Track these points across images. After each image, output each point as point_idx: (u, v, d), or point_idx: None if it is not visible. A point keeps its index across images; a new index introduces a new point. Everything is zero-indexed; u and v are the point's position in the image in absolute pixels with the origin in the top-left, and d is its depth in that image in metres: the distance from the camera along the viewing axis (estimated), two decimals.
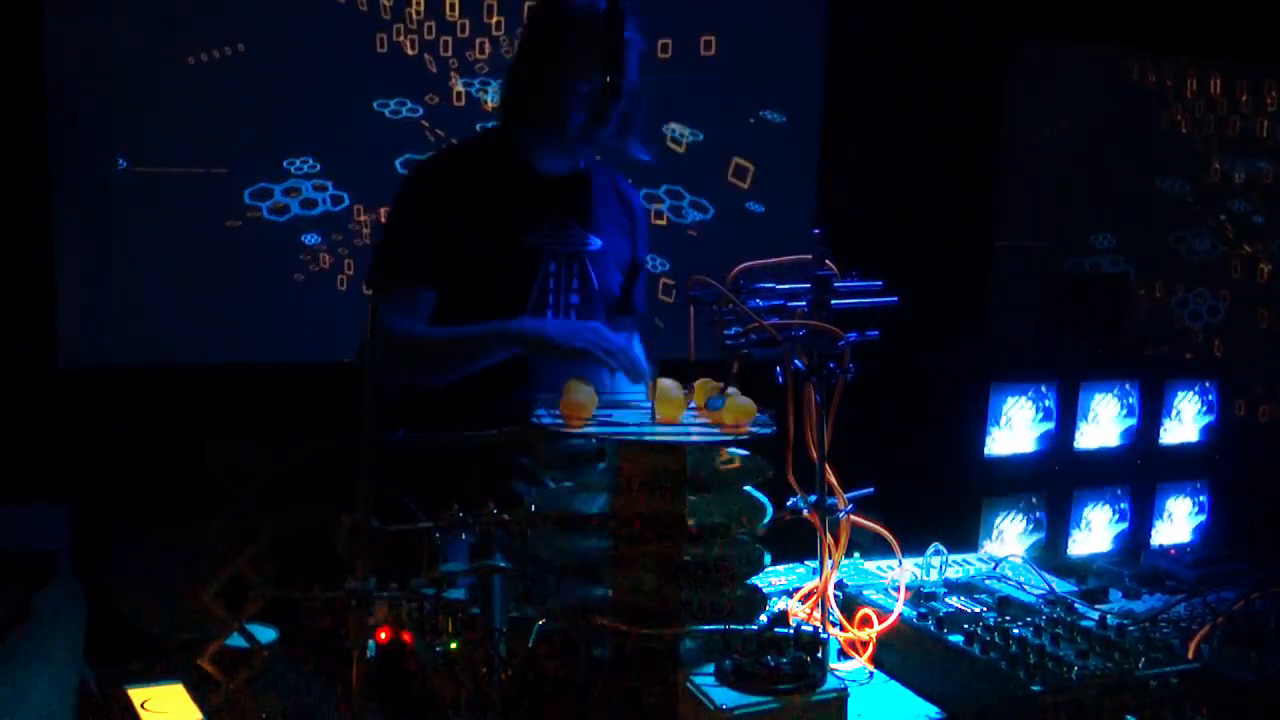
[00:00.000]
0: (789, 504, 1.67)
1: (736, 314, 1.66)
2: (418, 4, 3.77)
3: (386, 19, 3.75)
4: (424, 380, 2.11)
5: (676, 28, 4.09)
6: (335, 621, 1.35)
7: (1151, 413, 3.27)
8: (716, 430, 1.58)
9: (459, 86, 3.84)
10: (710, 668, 1.42)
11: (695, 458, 1.55)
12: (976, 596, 1.77)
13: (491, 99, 3.86)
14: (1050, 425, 3.10)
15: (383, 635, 1.56)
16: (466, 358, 2.09)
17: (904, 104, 4.43)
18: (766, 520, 1.60)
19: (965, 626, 1.60)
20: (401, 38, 3.78)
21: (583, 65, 2.05)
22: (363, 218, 3.76)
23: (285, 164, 3.66)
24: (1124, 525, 3.27)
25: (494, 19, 3.87)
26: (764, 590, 1.72)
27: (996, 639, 1.54)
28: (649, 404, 1.62)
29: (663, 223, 4.15)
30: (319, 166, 3.70)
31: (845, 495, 1.69)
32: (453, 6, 3.82)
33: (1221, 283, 5.13)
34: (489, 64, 3.87)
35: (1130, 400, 3.24)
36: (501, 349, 2.06)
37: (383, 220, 2.37)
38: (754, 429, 1.57)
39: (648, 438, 1.52)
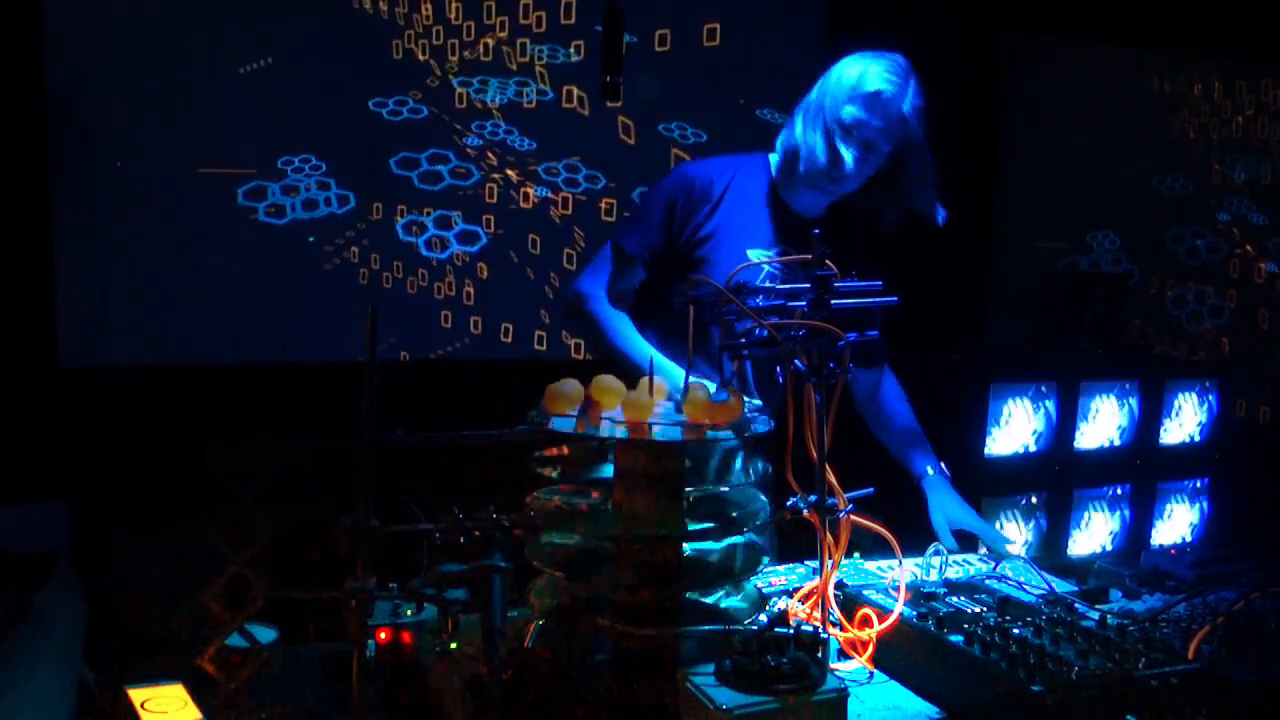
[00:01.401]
0: (789, 504, 1.67)
1: (736, 314, 1.66)
2: (418, 4, 3.78)
3: (386, 19, 3.74)
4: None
5: (677, 27, 4.09)
6: (335, 621, 1.35)
7: (1151, 413, 3.27)
8: (713, 427, 1.57)
9: (459, 87, 3.84)
10: (710, 668, 1.42)
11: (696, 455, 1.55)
12: (977, 597, 1.77)
13: (491, 99, 3.86)
14: (1050, 425, 3.10)
15: (383, 635, 1.56)
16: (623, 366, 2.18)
17: None
18: (767, 521, 1.61)
19: (965, 627, 1.60)
20: (411, 44, 3.77)
21: (854, 127, 2.28)
22: (363, 218, 3.76)
23: (286, 164, 3.66)
24: (1124, 525, 3.27)
25: (495, 19, 3.87)
26: (764, 590, 1.72)
27: (997, 639, 1.54)
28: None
29: None
30: (321, 166, 3.70)
31: (845, 495, 1.69)
32: (454, 6, 3.82)
33: (1222, 282, 5.13)
34: (490, 64, 3.87)
35: (1130, 400, 3.24)
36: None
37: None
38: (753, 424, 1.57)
39: (643, 436, 1.52)
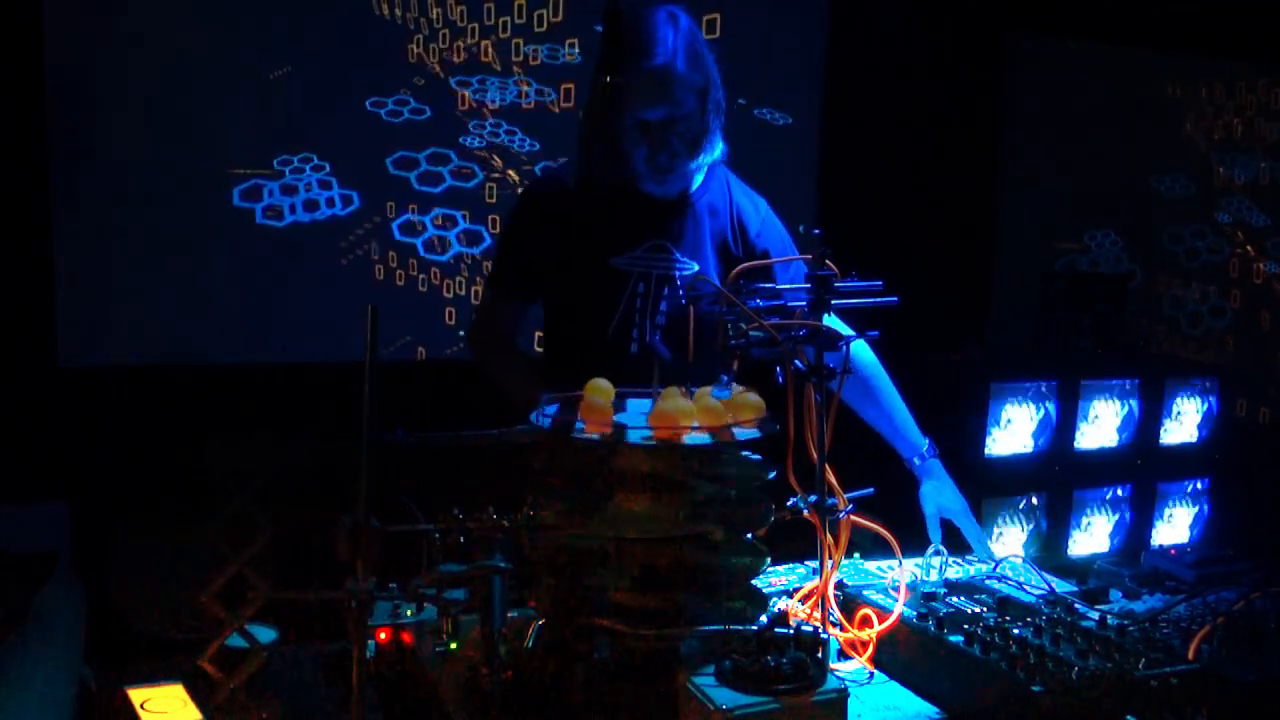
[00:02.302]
0: (789, 504, 1.67)
1: (737, 314, 1.66)
2: (418, 5, 3.78)
3: (387, 19, 3.74)
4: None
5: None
6: (335, 621, 1.35)
7: (1151, 413, 3.27)
8: (719, 430, 1.57)
9: (457, 88, 3.84)
10: (710, 668, 1.42)
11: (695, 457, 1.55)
12: (977, 597, 1.77)
13: (489, 99, 3.86)
14: (1050, 425, 3.10)
15: (383, 635, 1.56)
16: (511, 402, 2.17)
17: (904, 103, 4.43)
18: (767, 520, 1.60)
19: (965, 627, 1.60)
20: (412, 44, 3.78)
21: (630, 96, 2.05)
22: (364, 219, 3.76)
23: (287, 164, 3.66)
24: (1124, 525, 3.27)
25: (497, 20, 3.87)
26: (764, 590, 1.72)
27: (996, 639, 1.54)
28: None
29: None
30: (324, 166, 3.70)
31: (845, 495, 1.69)
32: (457, 9, 3.82)
33: (1223, 282, 5.12)
34: (493, 65, 3.87)
35: (1130, 400, 3.24)
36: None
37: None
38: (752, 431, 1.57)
39: (643, 439, 1.52)
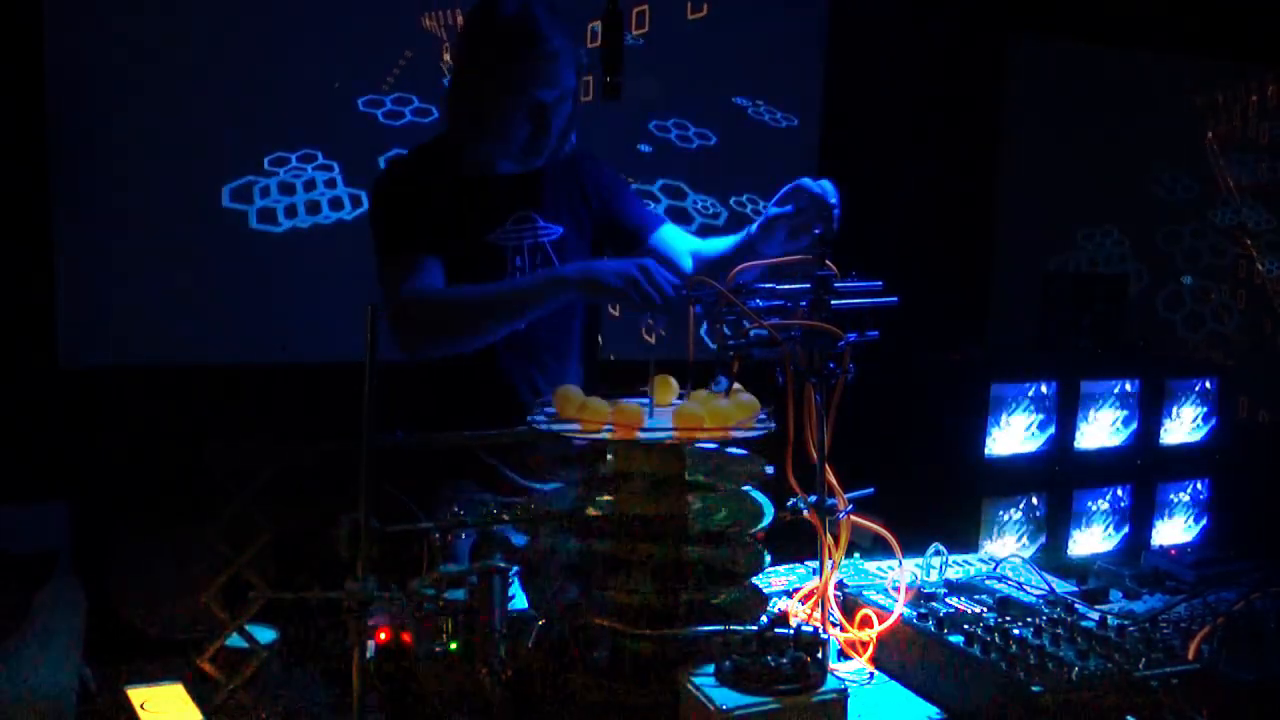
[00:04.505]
0: (789, 504, 1.67)
1: (736, 314, 1.66)
2: (419, 5, 3.78)
3: (389, 20, 3.75)
4: (461, 346, 2.12)
5: (678, 30, 4.09)
6: (335, 621, 1.35)
7: (1151, 412, 3.27)
8: (714, 428, 1.57)
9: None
10: (710, 668, 1.42)
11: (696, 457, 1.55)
12: (977, 597, 1.77)
13: None
14: (1050, 425, 3.10)
15: (383, 635, 1.56)
16: (514, 313, 2.10)
17: (904, 103, 4.43)
18: (767, 521, 1.60)
19: (965, 627, 1.60)
20: (414, 44, 3.78)
21: (526, 76, 2.08)
22: (364, 219, 3.76)
23: (286, 164, 3.66)
24: (1124, 525, 3.27)
25: None
26: (764, 590, 1.72)
27: (996, 639, 1.54)
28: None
29: None
30: (329, 166, 3.70)
31: (845, 495, 1.69)
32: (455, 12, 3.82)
33: (1223, 283, 5.13)
34: None
35: (1130, 400, 3.24)
36: (553, 297, 2.07)
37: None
38: (747, 430, 1.57)
39: (643, 438, 1.52)
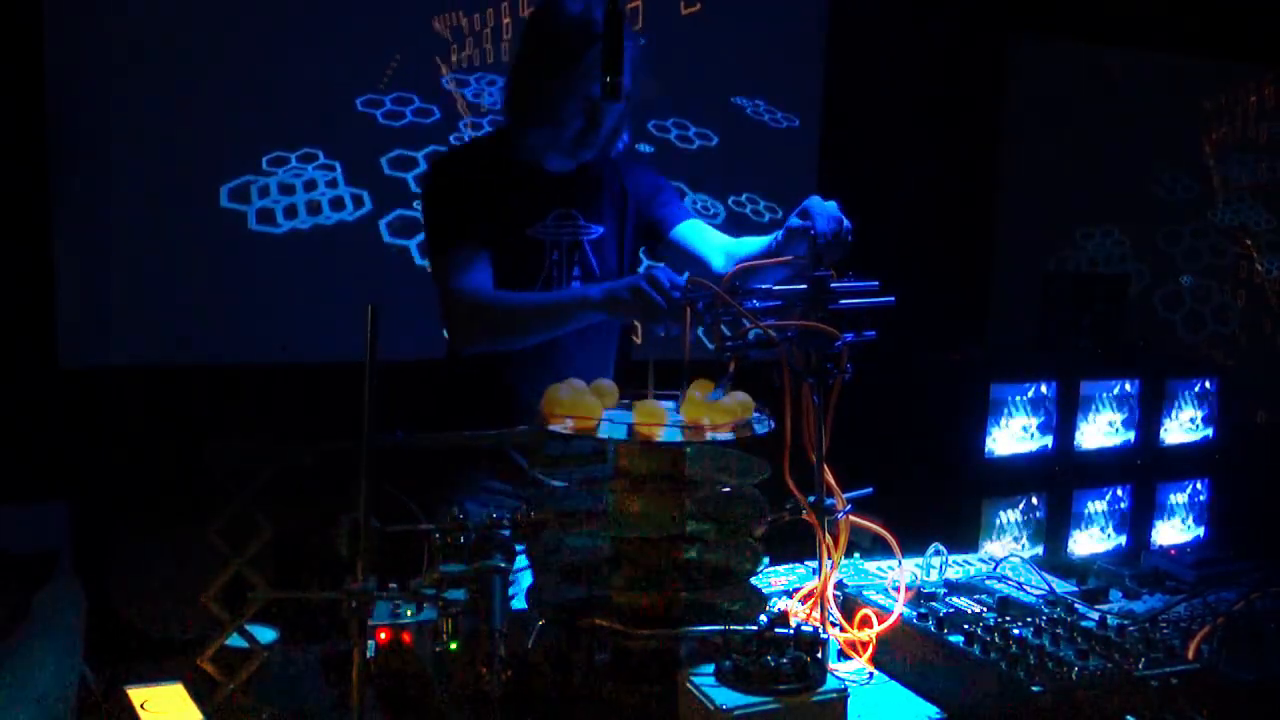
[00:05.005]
0: (788, 504, 1.67)
1: (733, 315, 1.66)
2: (419, 5, 3.78)
3: (389, 20, 3.75)
4: (505, 347, 2.21)
5: (677, 29, 4.09)
6: (335, 621, 1.35)
7: (1151, 413, 3.27)
8: (714, 428, 1.57)
9: (455, 89, 3.85)
10: (710, 668, 1.42)
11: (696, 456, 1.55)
12: (977, 597, 1.77)
13: (487, 101, 3.87)
14: (1050, 426, 3.10)
15: (383, 635, 1.56)
16: (552, 324, 2.17)
17: (904, 103, 4.43)
18: (765, 521, 1.60)
19: (965, 627, 1.60)
20: (413, 44, 3.78)
21: (584, 73, 2.12)
22: (364, 219, 3.76)
23: (288, 164, 3.66)
24: (1124, 525, 3.28)
25: (505, 20, 3.87)
26: (764, 590, 1.72)
27: (996, 639, 1.54)
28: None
29: None
30: (331, 166, 3.70)
31: (844, 495, 1.69)
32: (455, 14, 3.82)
33: (1223, 283, 5.13)
34: (491, 64, 3.87)
35: (1130, 400, 3.24)
36: (583, 315, 2.12)
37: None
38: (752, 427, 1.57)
39: (640, 438, 1.52)
